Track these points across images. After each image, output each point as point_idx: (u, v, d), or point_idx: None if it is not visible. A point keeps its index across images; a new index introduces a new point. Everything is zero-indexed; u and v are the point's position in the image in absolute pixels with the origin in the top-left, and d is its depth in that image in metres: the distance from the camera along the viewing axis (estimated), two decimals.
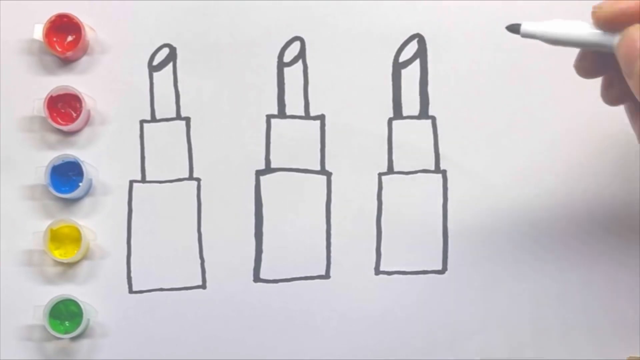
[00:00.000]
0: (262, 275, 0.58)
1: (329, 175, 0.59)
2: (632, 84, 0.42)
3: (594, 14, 0.44)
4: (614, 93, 0.48)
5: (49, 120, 0.58)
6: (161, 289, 0.58)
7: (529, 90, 0.58)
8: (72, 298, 0.57)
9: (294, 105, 0.59)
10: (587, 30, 0.45)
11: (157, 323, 0.58)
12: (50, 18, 0.59)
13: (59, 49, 0.59)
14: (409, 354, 0.57)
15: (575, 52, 0.48)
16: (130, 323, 0.58)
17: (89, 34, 0.59)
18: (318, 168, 0.59)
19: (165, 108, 0.59)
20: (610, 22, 0.44)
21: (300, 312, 0.57)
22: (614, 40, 0.44)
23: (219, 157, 0.59)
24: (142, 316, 0.58)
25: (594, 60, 0.47)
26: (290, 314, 0.57)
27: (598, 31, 0.44)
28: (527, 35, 0.47)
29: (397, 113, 0.59)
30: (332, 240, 0.58)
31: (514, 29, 0.47)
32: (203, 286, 0.58)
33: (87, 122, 0.59)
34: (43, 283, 0.58)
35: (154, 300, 0.58)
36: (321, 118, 0.59)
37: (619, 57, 0.43)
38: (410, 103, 0.59)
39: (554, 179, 0.58)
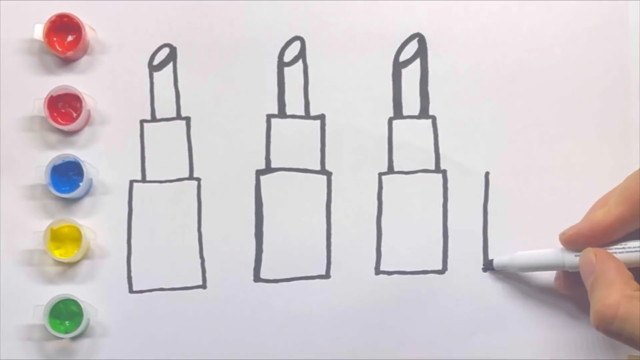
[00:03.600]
0: (262, 275, 0.58)
1: (329, 175, 0.59)
2: (589, 292, 0.50)
3: (560, 236, 0.53)
4: (568, 287, 0.55)
5: (49, 120, 0.58)
6: (161, 289, 0.58)
7: (529, 90, 0.58)
8: (72, 298, 0.57)
9: (294, 105, 0.59)
10: (550, 257, 0.54)
11: (157, 323, 0.58)
12: (51, 18, 0.59)
13: (59, 49, 0.59)
14: (409, 354, 0.57)
15: None
16: (130, 323, 0.58)
17: (89, 34, 0.59)
18: (318, 168, 0.59)
19: (165, 108, 0.59)
20: (572, 242, 0.53)
21: (300, 312, 0.58)
22: (576, 260, 0.53)
23: (219, 157, 0.59)
24: (142, 316, 0.58)
25: (567, 278, 0.55)
26: (290, 314, 0.58)
27: (559, 255, 0.53)
28: (499, 268, 0.57)
29: (397, 113, 0.59)
30: (332, 240, 0.58)
31: (487, 265, 0.57)
32: (203, 286, 0.58)
33: (87, 122, 0.59)
34: (43, 283, 0.58)
35: (154, 300, 0.58)
36: (321, 118, 0.59)
37: (580, 271, 0.52)
38: (411, 103, 0.59)
39: (554, 179, 0.58)
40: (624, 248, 0.52)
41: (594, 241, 0.52)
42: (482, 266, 0.57)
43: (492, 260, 0.57)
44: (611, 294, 0.48)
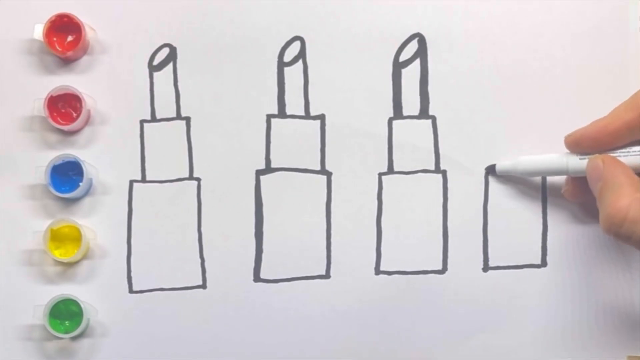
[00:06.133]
0: (262, 275, 0.58)
1: (329, 175, 0.59)
2: (597, 198, 0.51)
3: (566, 138, 0.54)
4: (576, 194, 0.56)
5: (49, 120, 0.58)
6: (161, 289, 0.58)
7: (529, 90, 0.58)
8: (72, 297, 0.57)
9: (294, 105, 0.59)
10: (553, 160, 0.55)
11: (157, 323, 0.58)
12: (50, 18, 0.59)
13: (59, 49, 0.59)
14: (409, 354, 0.57)
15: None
16: (130, 323, 0.58)
17: (89, 33, 0.59)
18: (318, 168, 0.59)
19: (165, 108, 0.59)
20: (576, 144, 0.54)
21: (300, 312, 0.58)
22: (579, 163, 0.54)
23: (219, 157, 0.59)
24: (142, 316, 0.58)
25: (575, 185, 0.55)
26: (290, 314, 0.58)
27: (563, 159, 0.54)
28: (502, 173, 0.57)
29: (397, 113, 0.59)
30: (332, 240, 0.58)
31: (490, 169, 0.58)
32: (203, 286, 0.58)
33: (87, 122, 0.59)
34: (43, 283, 0.58)
35: (154, 300, 0.58)
36: (321, 118, 0.59)
37: (588, 178, 0.52)
38: (411, 103, 0.59)
39: (554, 179, 0.58)
40: (628, 152, 0.52)
41: (598, 145, 0.53)
42: (484, 170, 0.58)
43: (494, 165, 0.57)
44: (621, 198, 0.48)
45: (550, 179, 0.58)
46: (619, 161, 0.51)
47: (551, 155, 0.55)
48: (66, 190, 0.58)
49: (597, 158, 0.52)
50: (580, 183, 0.55)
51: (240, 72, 0.59)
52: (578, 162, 0.54)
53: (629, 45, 0.58)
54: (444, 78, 0.59)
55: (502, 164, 0.57)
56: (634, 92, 0.58)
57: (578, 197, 0.56)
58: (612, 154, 0.52)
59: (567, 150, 0.55)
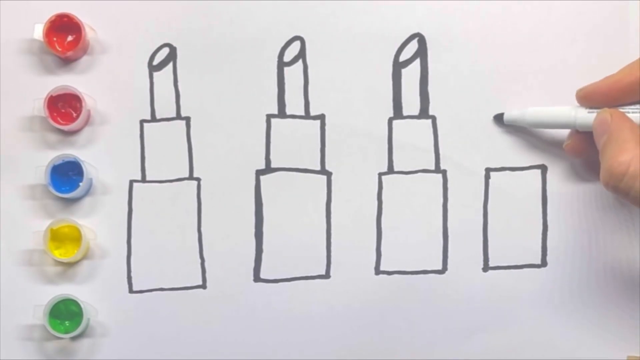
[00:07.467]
0: (262, 275, 0.58)
1: (329, 175, 0.59)
2: (600, 151, 0.51)
3: (577, 92, 0.54)
4: (578, 150, 0.56)
5: (49, 120, 0.58)
6: (161, 289, 0.58)
7: (529, 90, 0.58)
8: (72, 298, 0.57)
9: (294, 105, 0.59)
10: (562, 112, 0.55)
11: (157, 323, 0.58)
12: (50, 18, 0.59)
13: (59, 49, 0.59)
14: (409, 354, 0.57)
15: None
16: (130, 323, 0.58)
17: (89, 33, 0.59)
18: (318, 168, 0.59)
19: (165, 108, 0.59)
20: (587, 98, 0.54)
21: (300, 312, 0.58)
22: (587, 116, 0.53)
23: (219, 157, 0.59)
24: (142, 316, 0.58)
25: (577, 140, 0.55)
26: (290, 314, 0.58)
27: (572, 111, 0.54)
28: (509, 122, 0.57)
29: (397, 113, 0.59)
30: (332, 240, 0.58)
31: (498, 118, 0.57)
32: (203, 286, 0.58)
33: (87, 122, 0.59)
34: (43, 283, 0.58)
35: (154, 300, 0.58)
36: (321, 118, 0.59)
37: (593, 131, 0.52)
38: (411, 103, 0.59)
39: (554, 179, 0.58)
40: (638, 109, 0.52)
41: (609, 100, 0.53)
42: (492, 118, 0.58)
43: (502, 113, 0.57)
44: (623, 152, 0.49)
45: (550, 172, 0.57)
46: (627, 117, 0.51)
47: (560, 107, 0.55)
48: (66, 190, 0.58)
49: (606, 112, 0.52)
50: (583, 138, 0.55)
51: (240, 72, 0.59)
52: (586, 115, 0.53)
53: (629, 45, 0.58)
54: (444, 78, 0.59)
55: (510, 113, 0.57)
56: None
57: (579, 152, 0.56)
58: (622, 109, 0.52)
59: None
